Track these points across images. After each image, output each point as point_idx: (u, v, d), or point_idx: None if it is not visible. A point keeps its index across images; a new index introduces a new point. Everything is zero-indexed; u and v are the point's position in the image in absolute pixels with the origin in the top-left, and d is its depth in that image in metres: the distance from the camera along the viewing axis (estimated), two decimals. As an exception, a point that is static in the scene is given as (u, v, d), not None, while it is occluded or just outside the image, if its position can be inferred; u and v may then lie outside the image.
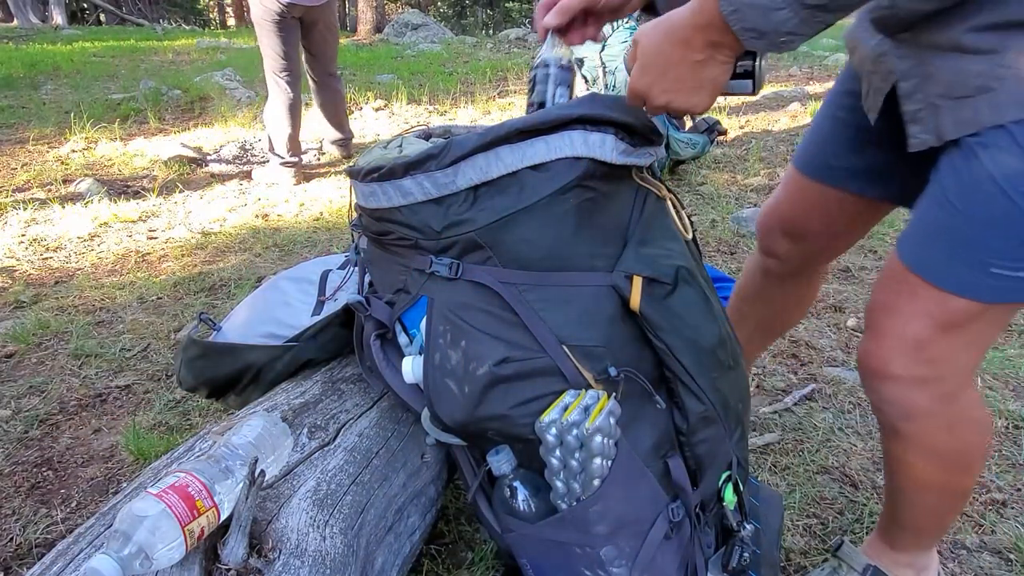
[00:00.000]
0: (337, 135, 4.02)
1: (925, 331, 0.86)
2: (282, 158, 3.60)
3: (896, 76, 0.88)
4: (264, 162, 3.85)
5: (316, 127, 4.25)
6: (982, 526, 1.36)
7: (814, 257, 1.25)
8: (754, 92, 0.84)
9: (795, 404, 1.73)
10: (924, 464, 0.99)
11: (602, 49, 3.32)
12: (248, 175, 3.82)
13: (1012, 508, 1.40)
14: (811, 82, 5.93)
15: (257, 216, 3.21)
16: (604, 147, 0.88)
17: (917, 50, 0.84)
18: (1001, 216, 0.78)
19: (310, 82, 3.80)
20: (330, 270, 1.33)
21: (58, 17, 13.54)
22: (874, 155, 1.04)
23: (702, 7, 0.73)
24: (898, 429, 0.96)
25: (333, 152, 4.08)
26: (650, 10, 1.00)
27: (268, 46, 3.43)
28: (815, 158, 1.13)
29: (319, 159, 4.08)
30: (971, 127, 0.79)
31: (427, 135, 1.07)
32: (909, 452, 0.98)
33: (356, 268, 1.21)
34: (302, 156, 3.75)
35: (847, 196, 1.10)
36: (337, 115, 3.96)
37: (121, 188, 3.52)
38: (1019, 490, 1.45)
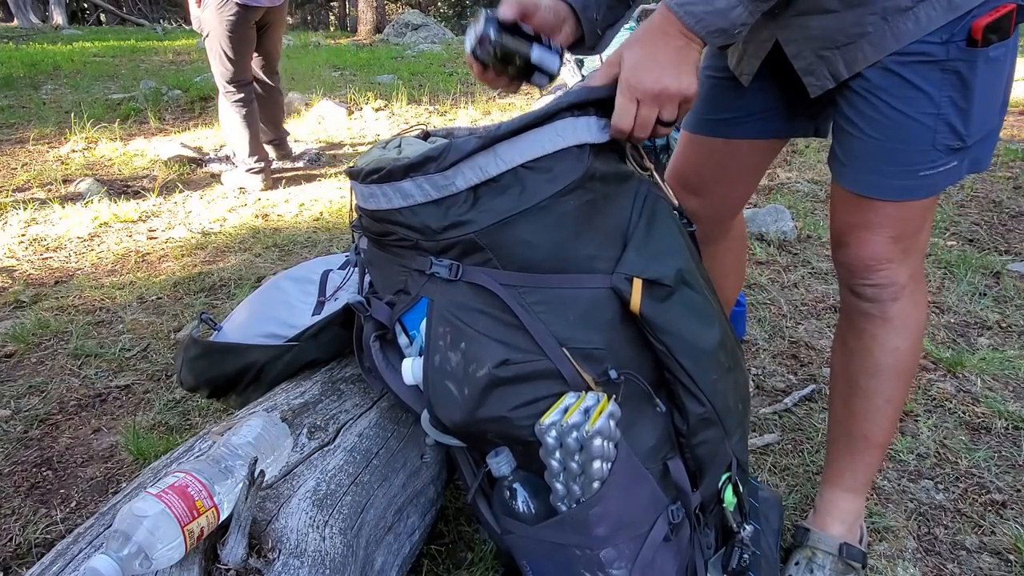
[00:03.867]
0: (273, 136, 3.88)
1: (895, 229, 1.06)
2: (247, 165, 3.50)
3: (774, 40, 1.07)
4: (229, 166, 3.73)
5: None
6: (982, 527, 1.36)
7: (719, 210, 1.36)
8: None
9: (795, 405, 1.73)
10: (902, 343, 1.14)
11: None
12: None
13: (1012, 509, 1.40)
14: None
15: (257, 216, 3.21)
16: (591, 130, 0.91)
17: (793, 18, 1.02)
18: (908, 131, 0.98)
19: (256, 84, 3.63)
20: (331, 270, 1.33)
21: (58, 17, 13.53)
22: (752, 103, 1.20)
23: (667, 18, 0.87)
24: (886, 312, 1.12)
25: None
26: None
27: (225, 55, 3.26)
28: (700, 116, 1.27)
29: (319, 159, 4.08)
30: (860, 64, 0.99)
31: (426, 135, 1.07)
32: (892, 335, 1.14)
33: (356, 268, 1.21)
34: (268, 160, 3.66)
35: (732, 142, 1.25)
36: (279, 115, 3.87)
37: (121, 188, 3.52)
38: (1019, 491, 1.45)
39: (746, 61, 1.15)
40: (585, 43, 1.06)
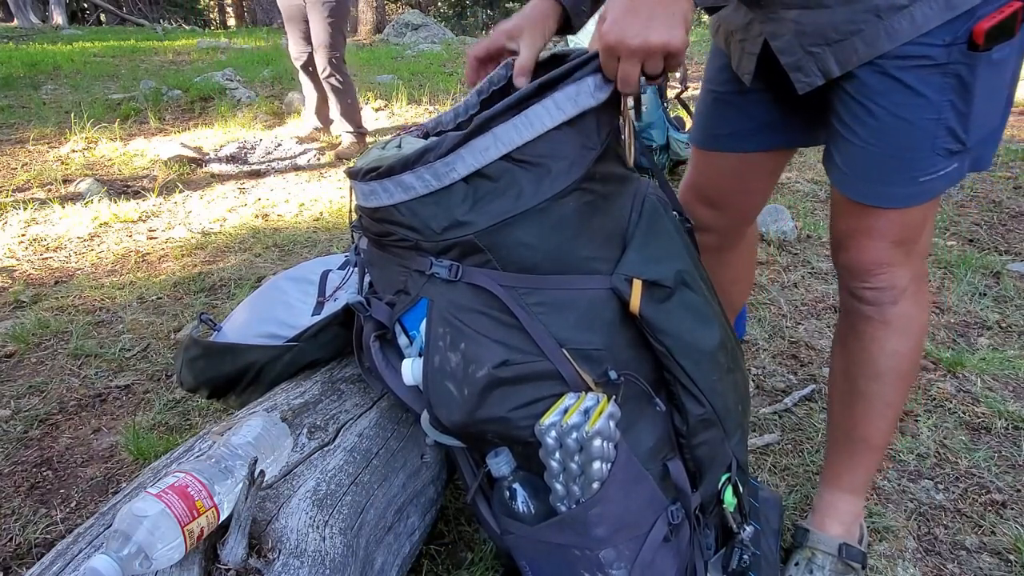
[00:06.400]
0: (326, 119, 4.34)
1: (897, 234, 1.06)
2: (361, 128, 4.03)
3: (764, 36, 1.05)
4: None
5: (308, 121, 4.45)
6: (982, 527, 1.36)
7: (736, 219, 1.36)
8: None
9: (795, 405, 1.73)
10: (902, 346, 1.14)
11: None
12: (251, 175, 3.82)
13: (1012, 509, 1.40)
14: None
15: (257, 216, 3.21)
16: (589, 92, 0.87)
17: (782, 12, 1.01)
18: (909, 138, 0.97)
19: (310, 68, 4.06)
20: (330, 270, 1.33)
21: (58, 17, 13.53)
22: (757, 114, 1.19)
23: None
24: (886, 315, 1.12)
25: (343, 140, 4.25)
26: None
27: (342, 34, 3.68)
28: (708, 132, 1.26)
29: (319, 159, 4.08)
30: (853, 63, 0.97)
31: (425, 134, 1.07)
32: (892, 338, 1.13)
33: (355, 269, 1.21)
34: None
35: (745, 155, 1.24)
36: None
37: (121, 188, 3.52)
38: (1019, 491, 1.45)
39: (744, 59, 1.14)
40: (573, 28, 1.02)
